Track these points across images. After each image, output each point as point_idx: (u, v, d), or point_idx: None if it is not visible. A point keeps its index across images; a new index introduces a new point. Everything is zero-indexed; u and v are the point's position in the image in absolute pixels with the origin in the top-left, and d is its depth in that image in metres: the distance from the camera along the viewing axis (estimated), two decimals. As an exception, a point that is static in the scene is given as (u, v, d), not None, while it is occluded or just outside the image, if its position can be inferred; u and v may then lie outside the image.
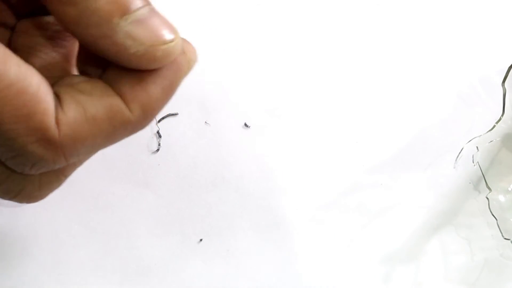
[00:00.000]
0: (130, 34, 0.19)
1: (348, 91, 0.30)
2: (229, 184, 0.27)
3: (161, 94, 0.20)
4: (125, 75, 0.19)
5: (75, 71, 0.22)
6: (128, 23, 0.19)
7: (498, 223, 0.26)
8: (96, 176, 0.27)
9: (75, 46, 0.22)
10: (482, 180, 0.27)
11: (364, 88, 0.30)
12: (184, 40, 0.21)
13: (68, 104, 0.18)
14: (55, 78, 0.20)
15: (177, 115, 0.29)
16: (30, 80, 0.18)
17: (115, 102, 0.19)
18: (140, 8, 0.19)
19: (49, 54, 0.21)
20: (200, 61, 0.30)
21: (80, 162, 0.22)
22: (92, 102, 0.19)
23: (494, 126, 0.28)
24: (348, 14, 0.33)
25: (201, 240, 0.25)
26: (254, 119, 0.29)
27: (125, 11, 0.19)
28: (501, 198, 0.27)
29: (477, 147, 0.28)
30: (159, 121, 0.28)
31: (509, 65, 0.27)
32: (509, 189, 0.27)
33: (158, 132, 0.28)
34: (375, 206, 0.27)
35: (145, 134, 0.28)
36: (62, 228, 0.25)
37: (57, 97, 0.19)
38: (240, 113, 0.29)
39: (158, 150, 0.28)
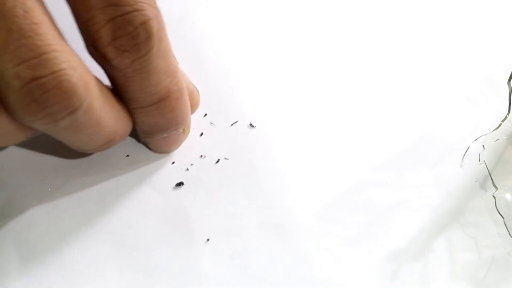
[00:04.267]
0: None
1: (353, 90, 0.30)
2: (236, 184, 0.27)
3: None
4: None
5: None
6: None
7: (505, 221, 0.26)
8: (101, 177, 0.27)
9: None
10: (489, 179, 0.27)
11: (370, 88, 0.30)
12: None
13: None
14: None
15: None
16: None
17: None
18: None
19: None
20: (204, 62, 0.30)
21: None
22: None
23: (500, 125, 0.28)
24: (355, 13, 0.33)
25: (208, 240, 0.25)
26: (259, 119, 0.29)
27: None
28: (508, 196, 0.27)
29: (483, 145, 0.28)
30: None
31: (515, 63, 0.27)
32: (516, 187, 0.27)
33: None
34: (382, 205, 0.27)
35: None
36: (69, 229, 0.25)
37: None
38: (245, 113, 0.29)
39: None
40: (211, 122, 0.29)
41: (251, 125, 0.29)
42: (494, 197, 0.27)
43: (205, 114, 0.29)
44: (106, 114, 0.23)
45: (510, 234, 0.26)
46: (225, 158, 0.28)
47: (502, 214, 0.26)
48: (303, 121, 0.29)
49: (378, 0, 0.33)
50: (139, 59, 0.22)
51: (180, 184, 0.27)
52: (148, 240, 0.25)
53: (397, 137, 0.29)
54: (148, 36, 0.21)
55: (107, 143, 0.24)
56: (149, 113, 0.24)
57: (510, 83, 0.27)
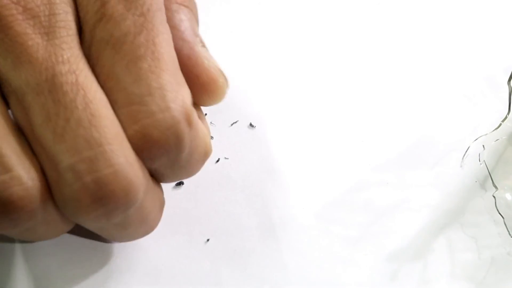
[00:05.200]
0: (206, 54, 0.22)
1: (353, 90, 0.30)
2: (235, 184, 0.27)
3: None
4: None
5: None
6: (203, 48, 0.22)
7: (505, 221, 0.26)
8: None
9: None
10: (489, 179, 0.27)
11: (370, 87, 0.30)
12: None
13: None
14: None
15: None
16: None
17: None
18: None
19: None
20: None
21: None
22: None
23: (500, 125, 0.28)
24: (355, 13, 0.33)
25: (208, 240, 0.25)
26: (259, 119, 0.29)
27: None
28: (508, 196, 0.27)
29: (483, 145, 0.28)
30: None
31: (515, 63, 0.27)
32: (516, 187, 0.27)
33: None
34: (381, 205, 0.27)
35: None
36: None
37: None
38: (245, 113, 0.29)
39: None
40: (211, 122, 0.29)
41: (251, 125, 0.29)
42: (494, 197, 0.27)
43: (205, 114, 0.29)
44: (154, 208, 0.22)
45: (510, 234, 0.26)
46: (225, 158, 0.28)
47: (502, 214, 0.26)
48: (303, 121, 0.29)
49: (378, 0, 0.33)
50: (172, 161, 0.20)
51: (180, 184, 0.27)
52: (148, 240, 0.25)
53: (397, 137, 0.29)
54: (178, 141, 0.19)
55: (148, 233, 0.23)
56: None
57: (510, 83, 0.27)
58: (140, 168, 0.19)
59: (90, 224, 0.20)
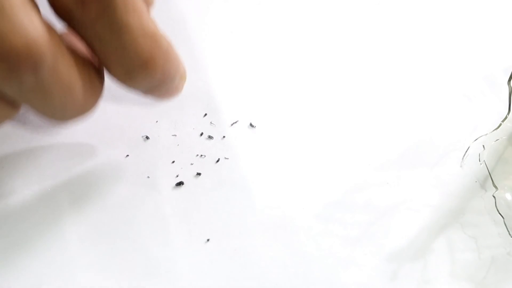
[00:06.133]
0: None
1: (353, 90, 0.30)
2: (236, 184, 0.27)
3: None
4: None
5: None
6: None
7: (505, 221, 0.26)
8: (101, 177, 0.27)
9: None
10: (489, 179, 0.27)
11: (370, 87, 0.30)
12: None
13: None
14: None
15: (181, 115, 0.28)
16: None
17: None
18: None
19: None
20: (204, 61, 0.30)
21: None
22: None
23: (500, 125, 0.28)
24: (355, 13, 0.33)
25: (208, 240, 0.25)
26: (259, 119, 0.29)
27: None
28: (508, 196, 0.27)
29: (483, 145, 0.28)
30: None
31: (515, 63, 0.27)
32: (516, 187, 0.27)
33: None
34: (382, 205, 0.27)
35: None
36: (69, 229, 0.25)
37: None
38: (245, 113, 0.29)
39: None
40: (211, 122, 0.29)
41: (251, 125, 0.29)
42: (494, 197, 0.27)
43: (205, 114, 0.29)
44: (78, 81, 0.21)
45: (510, 234, 0.26)
46: (225, 158, 0.28)
47: (502, 214, 0.26)
48: (303, 121, 0.29)
49: (378, 0, 0.33)
50: (104, 12, 0.20)
51: (180, 184, 0.27)
52: (148, 240, 0.25)
53: (397, 137, 0.29)
54: None
55: (82, 113, 0.22)
56: (135, 80, 0.22)
57: (510, 83, 0.27)
58: (45, 29, 0.19)
59: (4, 87, 0.19)
